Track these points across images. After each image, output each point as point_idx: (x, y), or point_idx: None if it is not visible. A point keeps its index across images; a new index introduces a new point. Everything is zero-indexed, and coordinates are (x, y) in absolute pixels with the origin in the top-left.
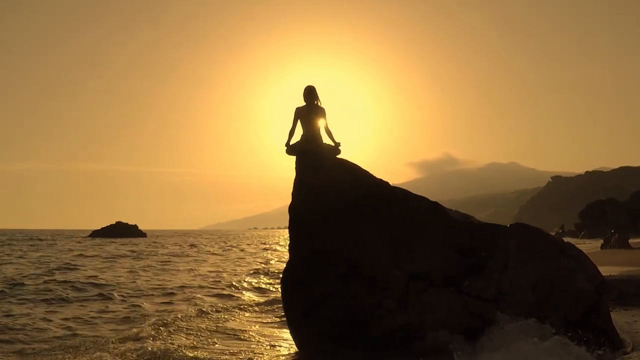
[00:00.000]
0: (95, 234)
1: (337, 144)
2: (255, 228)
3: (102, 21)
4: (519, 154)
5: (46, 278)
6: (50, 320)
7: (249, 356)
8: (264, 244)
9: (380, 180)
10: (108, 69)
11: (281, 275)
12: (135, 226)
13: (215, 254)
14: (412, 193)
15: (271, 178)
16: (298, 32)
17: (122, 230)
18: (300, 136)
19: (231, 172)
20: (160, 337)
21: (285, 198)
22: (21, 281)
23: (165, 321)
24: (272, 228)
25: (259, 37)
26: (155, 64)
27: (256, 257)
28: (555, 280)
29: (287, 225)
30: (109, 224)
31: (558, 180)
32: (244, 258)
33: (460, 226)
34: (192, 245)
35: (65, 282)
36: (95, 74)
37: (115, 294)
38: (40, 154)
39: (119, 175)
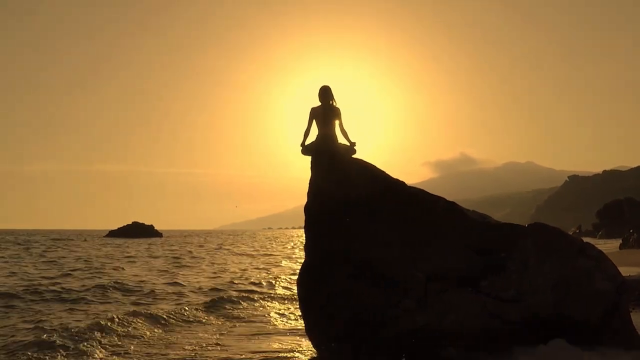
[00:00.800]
0: (112, 234)
1: (353, 144)
2: (269, 228)
3: (119, 22)
4: (536, 153)
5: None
6: None
7: (268, 355)
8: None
9: (397, 180)
10: (125, 70)
11: (297, 276)
12: (152, 226)
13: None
14: (429, 193)
15: (286, 178)
16: (314, 31)
17: (138, 230)
18: (315, 136)
19: (246, 172)
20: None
21: (299, 198)
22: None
23: None
24: (287, 228)
25: (275, 36)
26: (172, 65)
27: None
28: (574, 280)
29: (302, 225)
30: (125, 224)
31: (575, 180)
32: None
33: (478, 226)
34: (220, 246)
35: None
36: (112, 75)
37: None
38: (57, 155)
39: (135, 175)
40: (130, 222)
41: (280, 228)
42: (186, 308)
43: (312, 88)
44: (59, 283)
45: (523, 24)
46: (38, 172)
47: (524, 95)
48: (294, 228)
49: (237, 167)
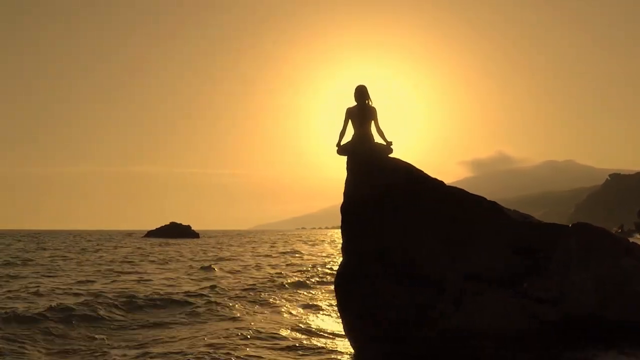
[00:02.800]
0: (150, 234)
1: (389, 143)
2: (303, 228)
3: (154, 26)
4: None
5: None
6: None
7: (307, 353)
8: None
9: (435, 179)
10: (160, 73)
11: (334, 276)
12: (189, 226)
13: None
14: (468, 192)
15: (319, 178)
16: (346, 31)
17: (176, 231)
18: (351, 136)
19: (280, 173)
20: None
21: (332, 198)
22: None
23: None
24: (320, 228)
25: (307, 37)
26: (206, 68)
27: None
28: (618, 281)
29: (335, 225)
30: (163, 225)
31: (616, 178)
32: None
33: (519, 226)
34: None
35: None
36: (148, 77)
37: None
38: (96, 157)
39: (170, 177)
40: (168, 223)
41: (314, 228)
42: None
43: (345, 88)
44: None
45: (561, 19)
46: (78, 173)
47: (563, 91)
48: (327, 228)
49: (270, 168)
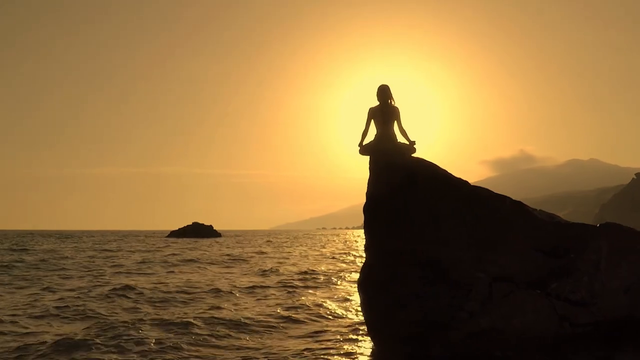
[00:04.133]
0: (173, 234)
1: (412, 143)
2: (323, 228)
3: (175, 27)
4: (600, 149)
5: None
6: None
7: (328, 352)
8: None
9: (459, 179)
10: (181, 74)
11: (358, 276)
12: (211, 226)
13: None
14: (493, 192)
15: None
16: (367, 30)
17: (198, 231)
18: (374, 136)
19: (300, 173)
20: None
21: (352, 198)
22: None
23: None
24: (340, 228)
25: (328, 37)
26: (226, 68)
27: None
28: None
29: (355, 225)
30: (185, 225)
31: None
32: None
33: (547, 226)
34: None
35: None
36: (169, 79)
37: None
38: (117, 158)
39: (193, 177)
40: (191, 223)
41: (334, 228)
42: None
43: (366, 87)
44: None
45: (585, 16)
46: (101, 174)
47: (586, 89)
48: (347, 228)
49: (291, 168)
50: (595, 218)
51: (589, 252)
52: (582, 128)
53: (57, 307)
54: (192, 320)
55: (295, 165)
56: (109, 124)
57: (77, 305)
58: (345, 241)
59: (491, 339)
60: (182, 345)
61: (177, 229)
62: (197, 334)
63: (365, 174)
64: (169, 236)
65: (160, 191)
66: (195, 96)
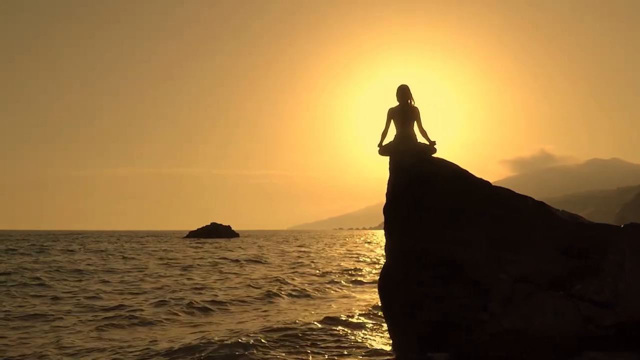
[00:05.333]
0: (192, 234)
1: (433, 143)
2: (340, 228)
3: (193, 27)
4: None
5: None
6: None
7: (345, 351)
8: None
9: (481, 179)
10: (198, 74)
11: (378, 277)
12: (229, 227)
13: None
14: (515, 192)
15: (357, 179)
16: (385, 30)
17: (216, 231)
18: (393, 136)
19: (317, 174)
20: None
21: (370, 198)
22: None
23: None
24: (358, 228)
25: (346, 36)
26: (245, 68)
27: None
28: None
29: (373, 225)
30: (204, 225)
31: None
32: None
33: (569, 227)
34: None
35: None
36: (187, 80)
37: None
38: (136, 159)
39: (210, 178)
40: (209, 223)
41: (351, 228)
42: None
43: (383, 87)
44: None
45: (605, 12)
46: (120, 175)
47: (608, 87)
48: (364, 229)
49: (308, 169)
50: (616, 218)
51: (612, 252)
52: (604, 127)
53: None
54: None
55: (313, 166)
56: (127, 124)
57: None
58: (370, 242)
59: (513, 340)
60: None
61: (195, 229)
62: None
63: (384, 174)
64: (187, 237)
65: (178, 192)
66: (213, 97)
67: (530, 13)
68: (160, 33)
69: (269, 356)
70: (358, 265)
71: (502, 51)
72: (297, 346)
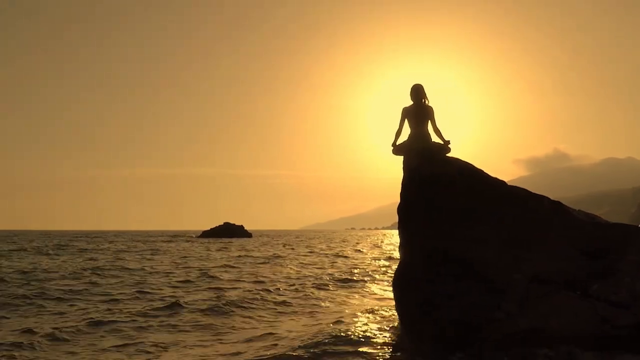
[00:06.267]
0: (205, 234)
1: (447, 142)
2: (352, 228)
3: (205, 28)
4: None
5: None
6: None
7: (363, 350)
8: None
9: (496, 178)
10: (211, 75)
11: (393, 276)
12: (242, 227)
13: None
14: (530, 191)
15: (368, 179)
16: (396, 28)
17: (229, 231)
18: (407, 136)
19: (329, 174)
20: None
21: (381, 198)
22: None
23: None
24: (370, 228)
25: (357, 35)
26: (257, 69)
27: None
28: None
29: (385, 225)
30: (217, 225)
31: None
32: None
33: (586, 226)
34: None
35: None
36: (200, 80)
37: None
38: (150, 159)
39: (223, 178)
40: (222, 223)
41: (363, 228)
42: None
43: (395, 87)
44: None
45: (619, 11)
46: (134, 175)
47: (623, 85)
48: (377, 228)
49: (320, 169)
50: (632, 217)
51: (630, 253)
52: (619, 125)
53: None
54: None
55: (324, 166)
56: (140, 125)
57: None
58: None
59: (529, 339)
60: None
61: (208, 229)
62: None
63: (395, 173)
64: (200, 236)
65: (190, 192)
66: (226, 97)
67: (544, 11)
68: (175, 33)
69: None
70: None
71: (515, 49)
72: None
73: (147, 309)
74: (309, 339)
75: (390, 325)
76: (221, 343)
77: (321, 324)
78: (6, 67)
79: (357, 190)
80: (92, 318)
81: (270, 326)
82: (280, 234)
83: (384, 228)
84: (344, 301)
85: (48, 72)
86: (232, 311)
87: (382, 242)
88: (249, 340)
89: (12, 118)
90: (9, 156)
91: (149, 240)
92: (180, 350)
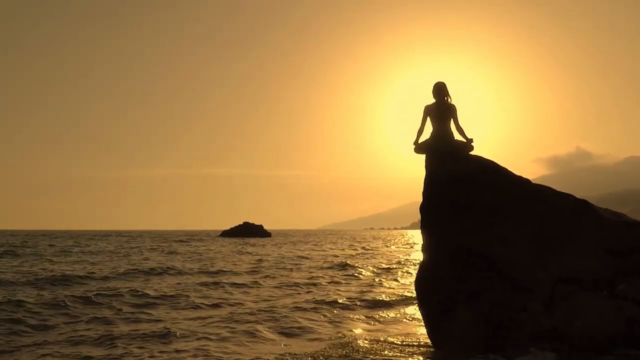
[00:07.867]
0: (225, 234)
1: (470, 141)
2: (371, 228)
3: (223, 28)
4: None
5: None
6: None
7: (383, 347)
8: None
9: (521, 177)
10: (228, 75)
11: (415, 275)
12: (261, 226)
13: None
14: (556, 190)
15: (387, 178)
16: (416, 27)
17: (249, 230)
18: (430, 134)
19: (348, 173)
20: None
21: (400, 198)
22: None
23: None
24: (388, 228)
25: (376, 34)
26: (274, 69)
27: None
28: None
29: (404, 225)
30: (236, 225)
31: None
32: None
33: (613, 225)
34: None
35: None
36: (217, 82)
37: None
38: (170, 160)
39: (242, 178)
40: (242, 223)
41: (382, 228)
42: None
43: (414, 85)
44: None
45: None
46: (156, 176)
47: None
48: (395, 228)
49: (339, 169)
50: None
51: None
52: None
53: None
54: None
55: (341, 166)
56: (159, 126)
57: None
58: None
59: (555, 339)
60: None
61: (228, 228)
62: None
63: (414, 173)
64: (220, 236)
65: (208, 192)
66: (244, 97)
67: (564, 8)
68: (193, 34)
69: None
70: None
71: (536, 47)
72: None
73: None
74: None
75: None
76: None
77: None
78: (30, 70)
79: (374, 190)
80: None
81: None
82: (300, 233)
83: (402, 228)
84: None
85: (70, 75)
86: None
87: (413, 242)
88: None
89: (37, 120)
90: (34, 156)
91: (192, 239)
92: None
